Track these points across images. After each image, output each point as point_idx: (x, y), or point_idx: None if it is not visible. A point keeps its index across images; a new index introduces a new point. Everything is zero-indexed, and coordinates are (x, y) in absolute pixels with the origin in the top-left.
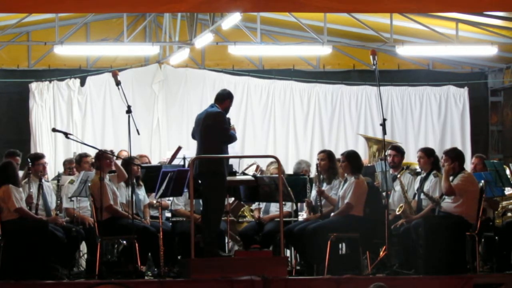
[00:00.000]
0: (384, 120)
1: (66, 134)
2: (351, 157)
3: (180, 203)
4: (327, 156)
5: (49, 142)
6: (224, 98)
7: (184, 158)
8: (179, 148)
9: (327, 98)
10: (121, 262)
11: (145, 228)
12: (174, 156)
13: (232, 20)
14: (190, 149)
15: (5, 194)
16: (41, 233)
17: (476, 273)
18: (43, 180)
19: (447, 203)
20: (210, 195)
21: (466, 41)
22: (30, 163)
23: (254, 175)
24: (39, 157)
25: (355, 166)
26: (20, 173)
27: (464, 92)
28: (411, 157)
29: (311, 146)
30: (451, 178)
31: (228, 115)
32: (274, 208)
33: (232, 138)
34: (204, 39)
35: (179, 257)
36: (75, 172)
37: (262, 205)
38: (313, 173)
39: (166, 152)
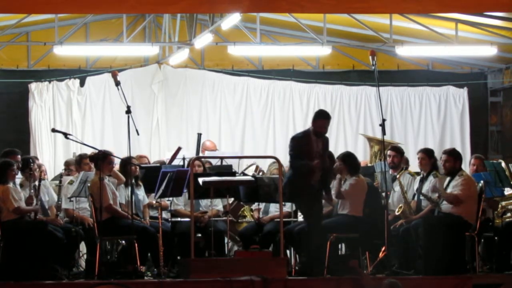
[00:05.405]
0: (384, 120)
1: (65, 135)
2: (346, 158)
3: (180, 203)
4: (328, 157)
5: (49, 142)
6: (314, 118)
7: (183, 159)
8: (178, 149)
9: (326, 98)
10: (121, 263)
11: (144, 228)
12: (174, 157)
13: (231, 20)
14: (189, 150)
15: (3, 194)
16: (41, 234)
17: (475, 273)
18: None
19: (447, 203)
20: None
21: (466, 42)
22: (31, 163)
23: (253, 176)
24: (32, 161)
25: (352, 167)
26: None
27: (463, 93)
28: (411, 158)
29: None
30: (449, 178)
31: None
32: (273, 208)
33: (294, 164)
34: (204, 40)
35: (178, 258)
36: (74, 172)
37: (262, 205)
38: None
39: (165, 152)
